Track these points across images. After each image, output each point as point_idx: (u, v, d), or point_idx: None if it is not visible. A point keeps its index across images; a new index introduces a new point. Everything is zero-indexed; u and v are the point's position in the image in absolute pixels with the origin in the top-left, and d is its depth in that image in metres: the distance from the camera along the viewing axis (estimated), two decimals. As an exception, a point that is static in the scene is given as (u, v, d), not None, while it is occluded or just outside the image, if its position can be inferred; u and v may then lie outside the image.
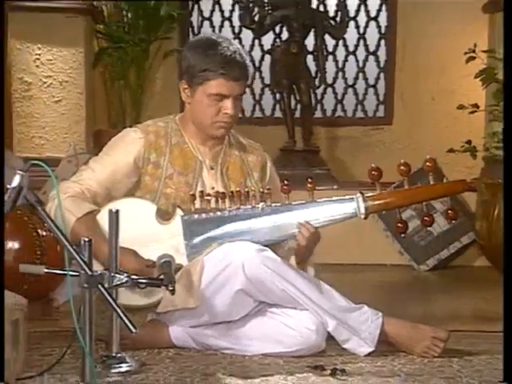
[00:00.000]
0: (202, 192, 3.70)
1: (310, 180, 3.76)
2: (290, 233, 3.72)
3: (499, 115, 5.84)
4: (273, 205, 3.72)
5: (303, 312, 3.63)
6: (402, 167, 3.76)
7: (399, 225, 3.95)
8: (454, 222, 5.43)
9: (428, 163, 3.85)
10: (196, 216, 3.71)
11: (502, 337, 2.69)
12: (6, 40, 5.78)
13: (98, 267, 3.26)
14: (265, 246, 3.66)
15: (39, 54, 6.20)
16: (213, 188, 3.78)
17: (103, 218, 3.53)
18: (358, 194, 3.72)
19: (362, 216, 3.74)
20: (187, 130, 3.86)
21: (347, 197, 3.76)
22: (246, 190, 3.71)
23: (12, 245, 4.14)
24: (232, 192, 3.71)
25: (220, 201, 3.70)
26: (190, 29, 7.60)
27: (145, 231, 3.67)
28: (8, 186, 2.93)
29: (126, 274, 3.19)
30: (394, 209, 3.89)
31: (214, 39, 3.78)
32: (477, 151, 5.90)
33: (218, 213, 3.70)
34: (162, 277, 3.31)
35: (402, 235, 5.89)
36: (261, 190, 3.73)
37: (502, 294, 2.36)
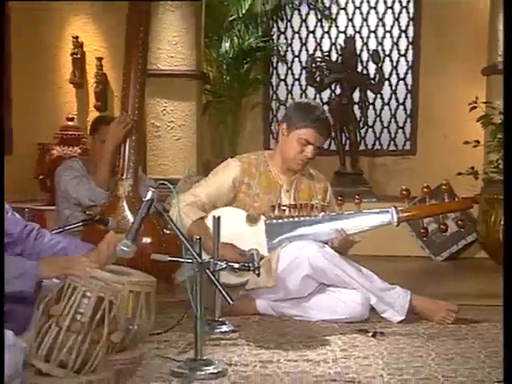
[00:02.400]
0: (279, 204, 3.74)
1: (357, 196, 3.80)
2: None
3: (494, 148, 5.73)
4: (330, 214, 3.72)
5: (352, 290, 3.62)
6: (404, 191, 3.77)
7: (422, 230, 3.95)
8: (462, 229, 5.40)
9: (444, 186, 3.83)
10: (275, 221, 3.72)
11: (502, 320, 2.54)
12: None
13: (205, 256, 3.28)
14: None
15: (165, 106, 6.25)
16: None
17: (209, 220, 3.56)
18: (392, 208, 3.72)
19: (395, 224, 3.75)
20: (273, 162, 3.88)
21: (384, 209, 3.75)
22: (311, 203, 3.73)
23: (145, 240, 4.16)
24: (301, 204, 3.73)
25: (292, 210, 3.72)
26: (270, 87, 7.60)
27: (239, 231, 3.69)
28: (143, 199, 2.95)
29: (224, 261, 3.19)
30: (419, 219, 3.87)
31: (315, 105, 3.86)
32: (478, 174, 5.80)
33: (291, 219, 3.72)
34: (249, 264, 3.31)
35: (424, 238, 5.87)
36: (321, 204, 3.73)
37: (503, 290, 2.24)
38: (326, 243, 3.67)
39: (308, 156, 3.77)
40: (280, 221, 3.72)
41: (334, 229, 3.68)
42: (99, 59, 6.94)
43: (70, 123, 6.67)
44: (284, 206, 3.73)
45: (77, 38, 6.95)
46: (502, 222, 5.56)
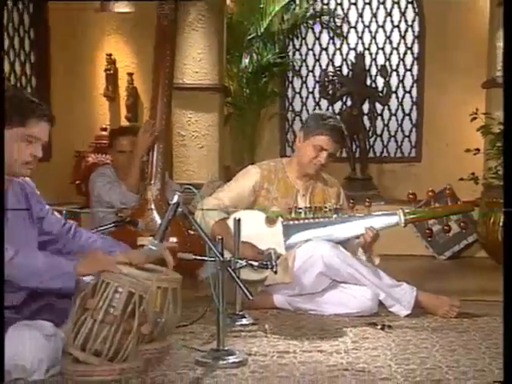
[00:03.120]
0: (295, 207, 3.71)
1: (367, 200, 3.77)
2: (353, 235, 3.69)
3: (493, 156, 5.70)
4: (342, 216, 3.70)
5: (362, 286, 3.61)
6: (411, 195, 3.76)
7: (427, 231, 3.97)
8: (464, 230, 5.37)
9: (448, 191, 3.82)
10: (291, 222, 3.71)
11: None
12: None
13: (226, 254, 3.27)
14: (336, 243, 3.65)
15: (190, 117, 6.25)
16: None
17: (231, 222, 3.55)
18: (400, 210, 3.70)
19: (402, 225, 3.74)
20: (290, 168, 3.87)
21: (392, 212, 3.73)
22: (325, 206, 3.71)
23: (172, 240, 4.15)
24: (315, 207, 3.71)
25: (307, 213, 3.69)
26: (286, 99, 7.59)
27: (258, 231, 3.68)
28: (170, 202, 2.96)
29: (244, 260, 3.19)
30: (424, 220, 3.85)
31: (330, 115, 3.86)
32: (478, 180, 5.77)
33: (306, 221, 3.70)
34: (267, 262, 3.30)
35: (429, 238, 5.83)
36: (334, 206, 3.72)
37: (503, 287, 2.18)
38: (342, 245, 3.66)
39: (321, 161, 3.76)
40: (296, 222, 3.70)
41: (346, 229, 3.67)
42: (130, 74, 6.97)
43: (104, 133, 6.71)
44: (300, 208, 3.71)
45: (110, 55, 6.98)
46: (501, 224, 5.53)
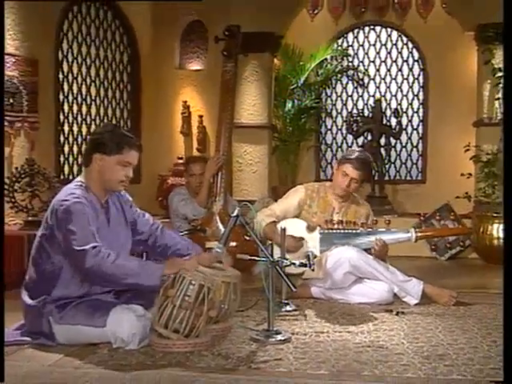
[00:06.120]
0: (331, 220, 3.67)
1: (386, 218, 3.72)
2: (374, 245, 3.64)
3: (482, 179, 5.60)
4: (367, 229, 3.66)
5: (380, 281, 3.56)
6: (421, 217, 3.71)
7: (433, 247, 3.87)
8: (463, 247, 5.25)
9: (452, 217, 3.78)
10: (326, 231, 3.67)
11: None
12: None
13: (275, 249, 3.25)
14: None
15: (246, 149, 6.29)
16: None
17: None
18: (412, 229, 3.68)
19: (413, 241, 3.68)
20: (330, 190, 3.82)
21: (406, 229, 3.70)
22: (353, 221, 3.66)
23: (232, 244, 4.16)
24: (346, 221, 3.67)
25: (339, 225, 3.65)
26: (320, 135, 7.55)
27: (300, 236, 3.65)
28: (231, 215, 2.96)
29: (288, 260, 3.15)
30: (431, 238, 3.80)
31: (355, 149, 3.87)
32: (471, 198, 5.65)
33: (338, 231, 3.65)
34: (307, 261, 3.26)
35: (434, 252, 5.72)
36: (361, 221, 3.67)
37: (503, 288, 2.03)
38: (367, 250, 3.60)
39: (346, 184, 3.70)
40: (330, 232, 3.66)
41: (370, 240, 3.62)
42: (200, 116, 7.03)
43: (180, 161, 6.77)
44: (334, 221, 3.67)
45: (185, 102, 7.06)
46: (489, 232, 5.38)
